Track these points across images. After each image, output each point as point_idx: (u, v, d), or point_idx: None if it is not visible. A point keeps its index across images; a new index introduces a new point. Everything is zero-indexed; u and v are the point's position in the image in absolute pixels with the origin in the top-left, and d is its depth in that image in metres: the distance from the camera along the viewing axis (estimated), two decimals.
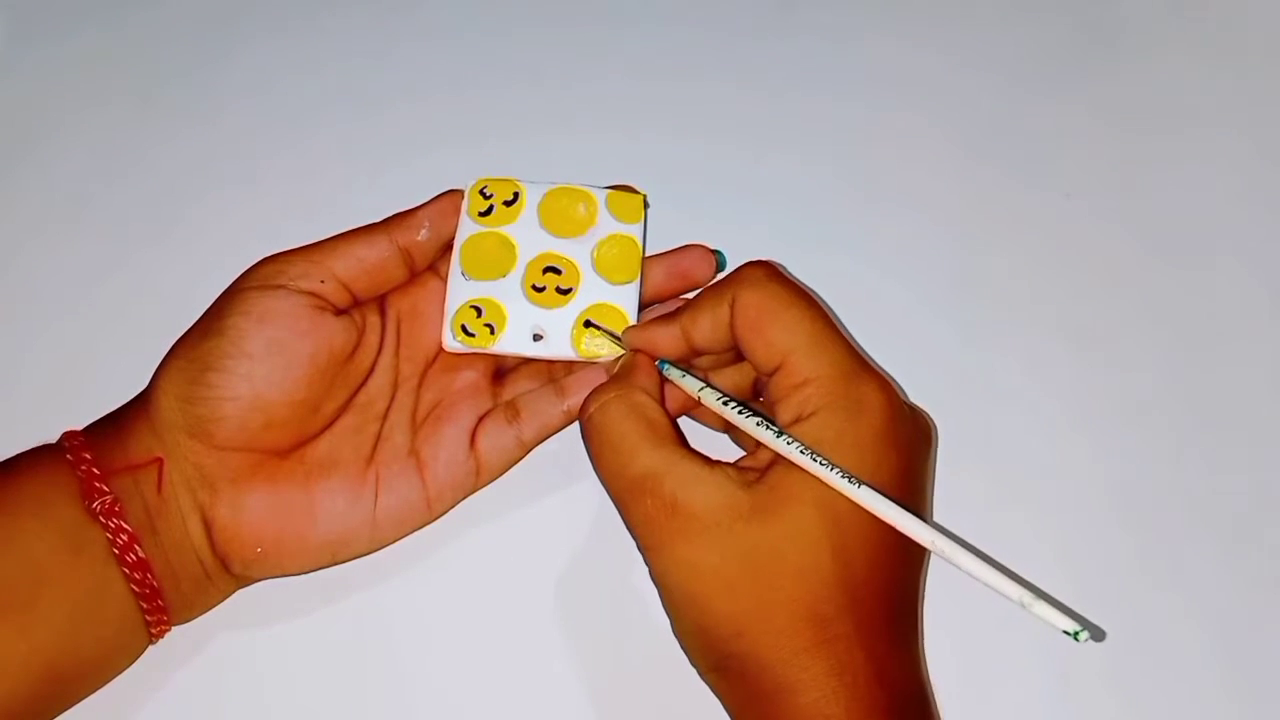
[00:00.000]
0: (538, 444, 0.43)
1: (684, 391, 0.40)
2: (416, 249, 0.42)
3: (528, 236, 0.43)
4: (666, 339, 0.40)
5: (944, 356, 0.46)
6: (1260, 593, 0.43)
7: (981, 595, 0.42)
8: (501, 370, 0.44)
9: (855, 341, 0.39)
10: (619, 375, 0.40)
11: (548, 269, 0.43)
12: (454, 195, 0.43)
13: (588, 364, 0.43)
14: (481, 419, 0.42)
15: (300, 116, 0.51)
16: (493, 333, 0.42)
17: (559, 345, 0.42)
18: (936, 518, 0.44)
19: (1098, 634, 0.41)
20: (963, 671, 0.42)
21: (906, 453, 0.37)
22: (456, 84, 0.51)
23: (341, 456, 0.41)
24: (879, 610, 0.35)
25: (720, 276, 0.43)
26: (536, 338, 0.42)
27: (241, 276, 0.40)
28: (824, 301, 0.39)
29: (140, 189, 0.50)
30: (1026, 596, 0.32)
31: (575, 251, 0.43)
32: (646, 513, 0.36)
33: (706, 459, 0.37)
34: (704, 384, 0.39)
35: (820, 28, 0.53)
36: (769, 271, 0.39)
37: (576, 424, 0.42)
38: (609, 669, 0.42)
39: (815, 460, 0.35)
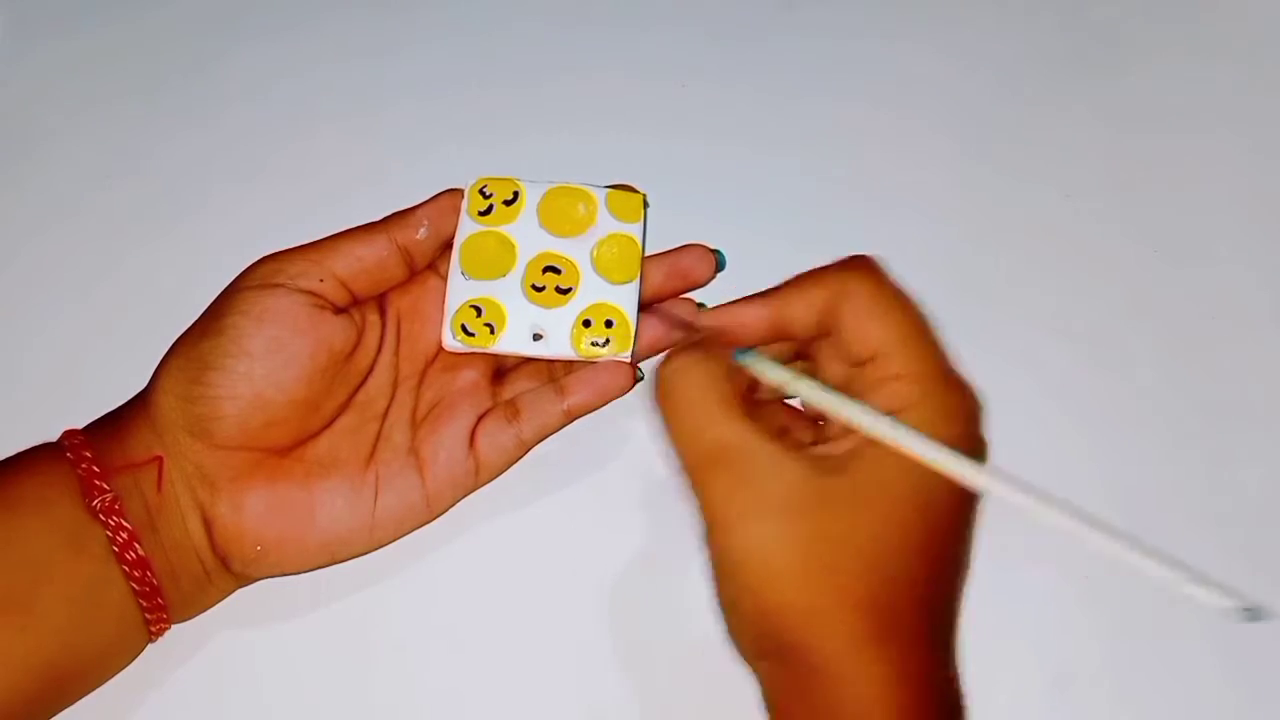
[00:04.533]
0: (537, 443, 0.43)
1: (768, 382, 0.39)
2: (415, 247, 0.42)
3: (527, 236, 0.43)
4: (751, 317, 0.39)
5: None
6: (1261, 592, 0.43)
7: (983, 594, 0.42)
8: (502, 370, 0.44)
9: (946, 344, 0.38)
10: (698, 345, 0.38)
11: (547, 268, 0.43)
12: (453, 194, 0.43)
13: (587, 363, 0.43)
14: (481, 418, 0.42)
15: (300, 116, 0.51)
16: (493, 332, 0.42)
17: (558, 345, 0.42)
18: None
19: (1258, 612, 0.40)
20: (962, 671, 0.42)
21: (981, 458, 0.37)
22: (456, 83, 0.51)
23: (341, 455, 0.41)
24: (938, 613, 0.36)
25: (717, 275, 0.44)
26: (536, 337, 0.42)
27: (240, 276, 0.40)
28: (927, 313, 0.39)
29: (140, 189, 0.50)
30: (1179, 578, 0.32)
31: (575, 251, 0.43)
32: (721, 487, 0.35)
33: (783, 441, 0.36)
34: (797, 374, 0.38)
35: (820, 27, 0.53)
36: (878, 266, 0.38)
37: (576, 423, 0.43)
38: (609, 670, 0.42)
39: (935, 449, 0.35)
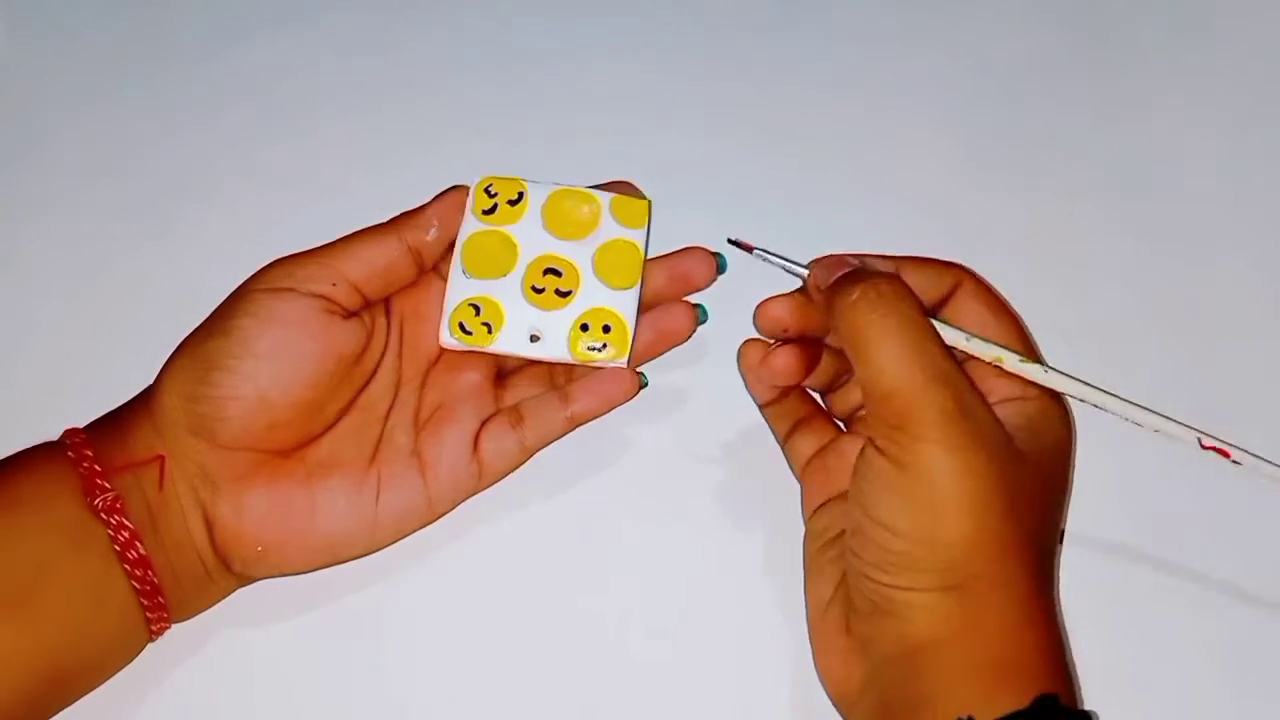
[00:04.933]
0: (540, 449, 0.43)
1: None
2: (425, 248, 0.42)
3: (530, 237, 0.43)
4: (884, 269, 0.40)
5: None
6: (1262, 592, 0.43)
7: None
8: (504, 371, 0.44)
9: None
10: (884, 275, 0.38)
11: (548, 270, 0.43)
12: (460, 191, 0.43)
13: (588, 369, 0.43)
14: (485, 423, 0.42)
15: (301, 115, 0.51)
16: (490, 332, 0.42)
17: (555, 348, 0.42)
18: None
19: None
20: None
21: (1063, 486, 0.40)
22: (455, 82, 0.52)
23: (343, 457, 0.41)
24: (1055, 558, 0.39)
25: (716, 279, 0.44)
26: (534, 339, 0.42)
27: (250, 279, 0.40)
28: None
29: (140, 187, 0.50)
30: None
31: (576, 254, 0.43)
32: (948, 407, 0.35)
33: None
34: (969, 334, 0.39)
35: (820, 26, 0.53)
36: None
37: (578, 429, 0.43)
38: (609, 670, 0.42)
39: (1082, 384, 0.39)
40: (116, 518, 0.37)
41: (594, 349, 0.42)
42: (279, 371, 0.38)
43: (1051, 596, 0.37)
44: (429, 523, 0.42)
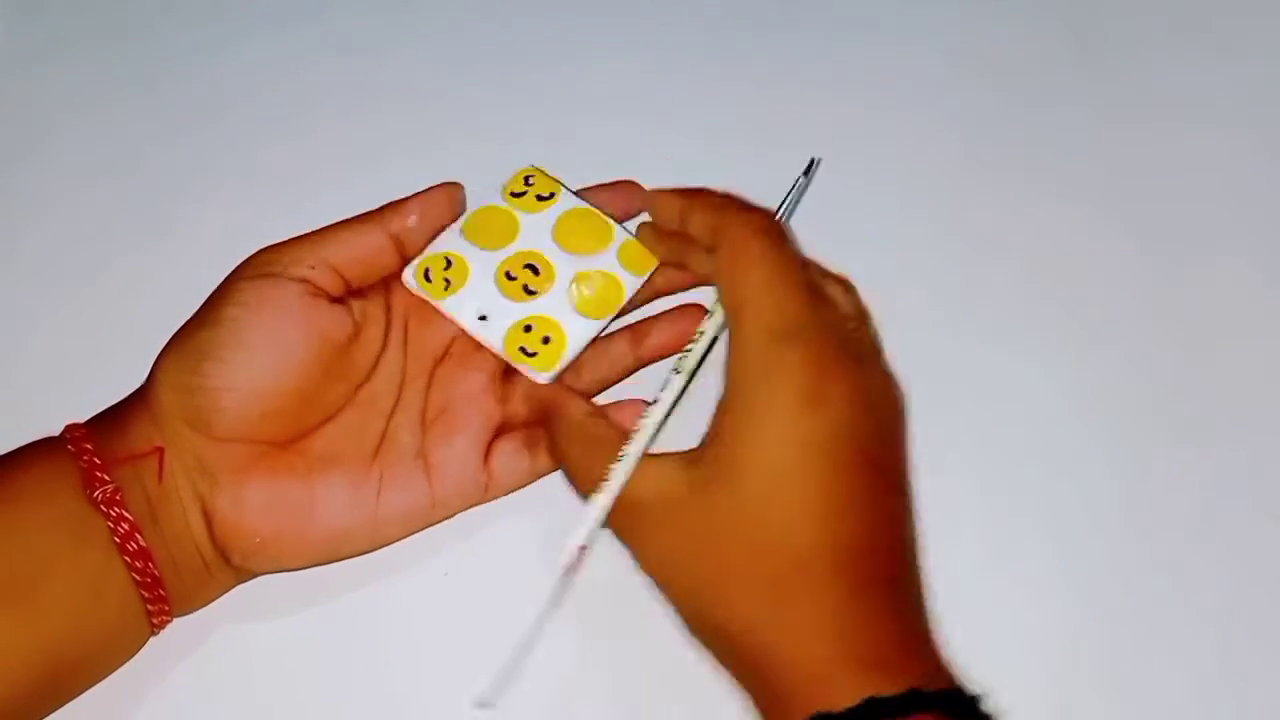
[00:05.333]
0: (551, 472, 0.43)
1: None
2: (407, 235, 0.42)
3: (535, 231, 0.43)
4: (666, 201, 0.42)
5: (944, 354, 0.46)
6: (1263, 591, 0.43)
7: (983, 594, 0.42)
8: (510, 368, 0.44)
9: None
10: (549, 408, 0.41)
11: (529, 265, 0.43)
12: (446, 186, 0.43)
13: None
14: (500, 437, 0.42)
15: (301, 115, 0.51)
16: (446, 288, 0.42)
17: (493, 334, 0.42)
18: (935, 515, 0.43)
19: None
20: (963, 671, 0.42)
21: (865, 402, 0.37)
22: (455, 82, 0.52)
23: (343, 452, 0.41)
24: (840, 559, 0.35)
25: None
26: (481, 318, 0.42)
27: (235, 269, 0.41)
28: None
29: (141, 187, 0.50)
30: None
31: (564, 266, 0.43)
32: (614, 522, 0.38)
33: (649, 454, 0.38)
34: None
35: (820, 26, 0.53)
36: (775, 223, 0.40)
37: None
38: (609, 670, 0.42)
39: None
40: (116, 510, 0.37)
41: (525, 351, 0.42)
42: (270, 359, 0.39)
43: (805, 602, 0.35)
44: (432, 524, 0.42)
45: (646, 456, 0.38)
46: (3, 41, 0.53)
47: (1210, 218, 0.50)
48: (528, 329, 0.42)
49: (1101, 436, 0.45)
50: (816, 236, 0.48)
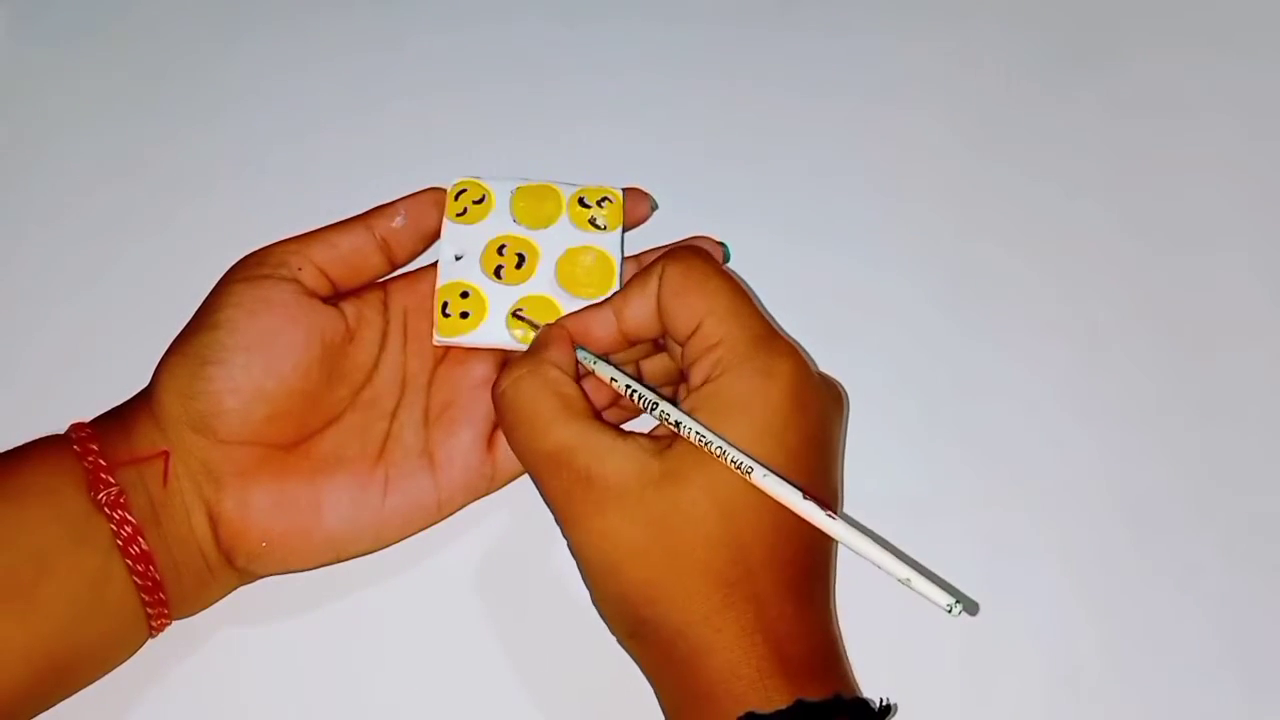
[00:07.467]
0: None
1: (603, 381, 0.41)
2: (393, 237, 0.42)
3: (562, 230, 0.44)
4: (598, 321, 0.41)
5: (945, 353, 0.47)
6: (1263, 590, 0.43)
7: (983, 594, 0.42)
8: (509, 359, 0.44)
9: (769, 314, 0.39)
10: (531, 351, 0.40)
11: (512, 249, 0.43)
12: (434, 191, 0.44)
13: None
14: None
15: (301, 115, 0.51)
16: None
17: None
18: (935, 515, 0.44)
19: (971, 606, 0.42)
20: (963, 671, 0.42)
21: (816, 417, 0.38)
22: (455, 82, 0.52)
23: (348, 453, 0.41)
24: (786, 571, 0.36)
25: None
26: (458, 258, 0.43)
27: (226, 272, 0.41)
28: (746, 285, 0.40)
29: (140, 187, 0.49)
30: (909, 573, 0.33)
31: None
32: (561, 486, 0.37)
33: (620, 431, 0.37)
34: (614, 369, 0.40)
35: (820, 24, 0.53)
36: (695, 249, 0.40)
37: None
38: (607, 669, 0.42)
39: (712, 439, 0.35)
40: (120, 513, 0.37)
41: (520, 316, 0.42)
42: (270, 359, 0.39)
43: (747, 609, 0.35)
44: (436, 522, 0.42)
45: (616, 434, 0.37)
46: (3, 41, 0.53)
47: (1211, 217, 0.50)
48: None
49: (1101, 435, 0.46)
50: (817, 236, 0.48)
